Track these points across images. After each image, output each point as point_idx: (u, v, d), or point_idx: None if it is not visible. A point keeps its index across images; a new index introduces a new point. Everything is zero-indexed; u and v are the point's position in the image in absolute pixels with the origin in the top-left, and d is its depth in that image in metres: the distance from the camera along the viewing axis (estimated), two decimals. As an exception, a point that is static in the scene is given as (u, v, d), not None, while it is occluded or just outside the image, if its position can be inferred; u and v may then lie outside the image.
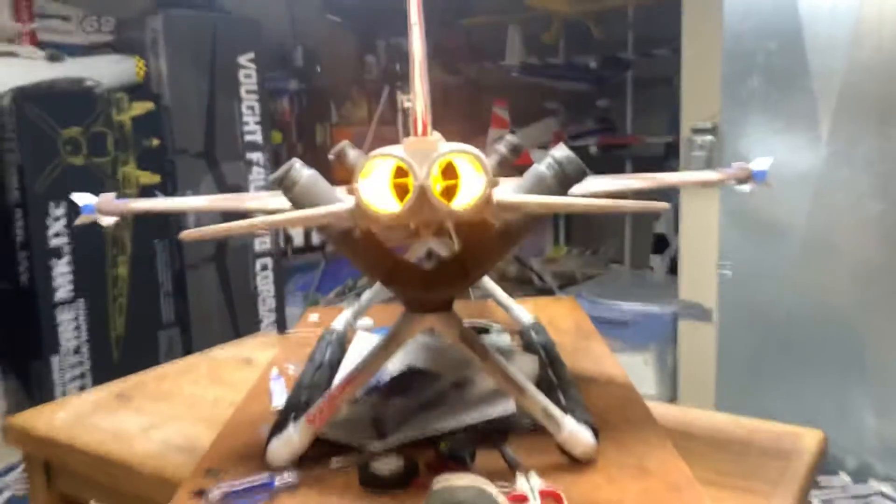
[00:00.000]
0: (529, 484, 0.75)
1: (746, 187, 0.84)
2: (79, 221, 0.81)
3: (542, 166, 0.76)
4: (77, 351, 2.59)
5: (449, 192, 0.66)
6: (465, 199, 0.63)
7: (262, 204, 0.86)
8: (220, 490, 0.76)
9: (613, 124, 3.91)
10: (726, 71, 2.11)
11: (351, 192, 0.64)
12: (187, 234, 0.65)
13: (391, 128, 3.97)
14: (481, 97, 4.17)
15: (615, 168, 3.87)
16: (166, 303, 2.84)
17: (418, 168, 0.61)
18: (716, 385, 2.28)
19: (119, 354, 2.70)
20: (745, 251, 2.16)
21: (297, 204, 0.75)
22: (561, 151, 0.77)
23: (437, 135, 0.89)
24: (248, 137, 2.92)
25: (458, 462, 0.80)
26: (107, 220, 0.82)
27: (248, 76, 2.92)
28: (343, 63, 4.29)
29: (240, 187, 2.83)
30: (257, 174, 2.93)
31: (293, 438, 0.80)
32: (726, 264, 2.16)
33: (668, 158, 3.40)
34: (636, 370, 2.59)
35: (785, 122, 2.07)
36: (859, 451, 2.11)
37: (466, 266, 0.77)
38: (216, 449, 0.88)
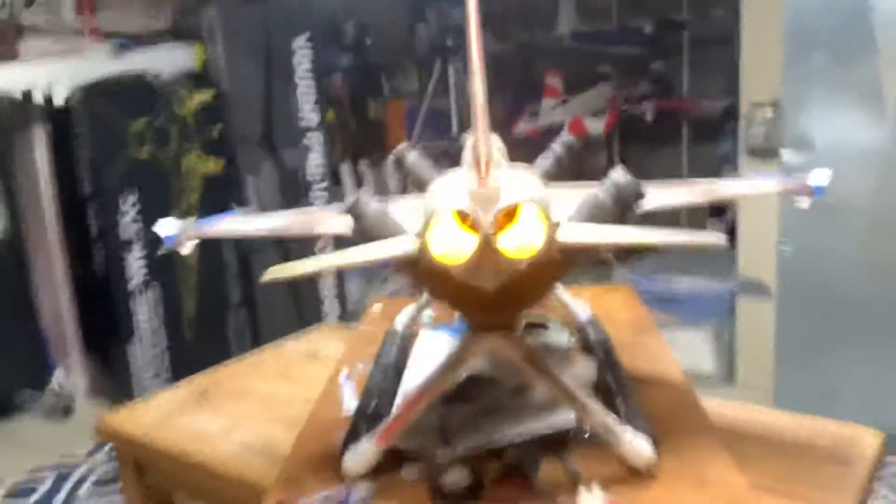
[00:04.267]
0: (592, 499, 0.78)
1: (805, 202, 0.85)
2: (161, 251, 0.87)
3: (600, 191, 0.78)
4: (153, 333, 2.72)
5: (508, 217, 0.68)
6: (526, 246, 0.66)
7: (332, 227, 0.90)
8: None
9: (670, 87, 3.84)
10: (788, 46, 2.05)
11: (419, 236, 0.67)
12: (267, 278, 0.69)
13: (444, 100, 3.98)
14: (533, 63, 4.14)
15: (671, 134, 3.83)
16: (233, 284, 2.95)
17: (483, 218, 0.63)
18: (774, 363, 2.27)
19: (191, 335, 2.82)
20: (806, 228, 2.12)
21: (363, 237, 0.78)
22: (619, 175, 0.78)
23: (497, 151, 0.90)
24: (304, 120, 2.97)
25: (523, 476, 0.84)
26: (187, 249, 0.88)
27: (303, 58, 2.95)
28: (393, 35, 4.29)
29: (297, 171, 2.89)
30: (314, 158, 2.98)
31: (365, 452, 0.85)
32: (786, 241, 2.14)
33: (727, 122, 3.33)
34: (694, 346, 2.59)
35: (849, 99, 2.01)
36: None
37: (529, 290, 0.80)
38: (294, 457, 0.93)
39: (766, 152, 2.21)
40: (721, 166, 3.33)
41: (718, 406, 1.09)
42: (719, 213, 3.52)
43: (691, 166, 3.77)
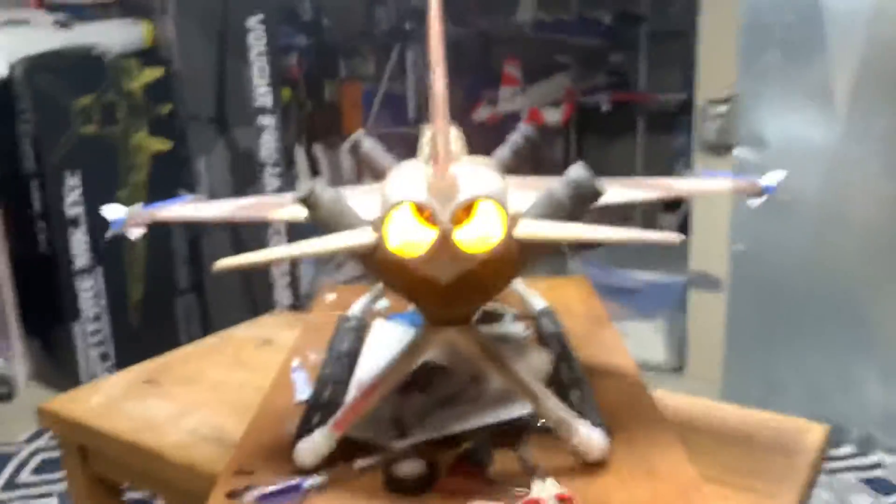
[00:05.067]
0: (545, 489, 0.79)
1: (756, 201, 0.86)
2: (109, 235, 0.84)
3: (559, 187, 0.78)
4: (97, 317, 2.65)
5: (466, 212, 0.68)
6: (484, 241, 0.65)
7: (285, 213, 0.89)
8: (252, 494, 0.80)
9: (626, 80, 3.88)
10: (743, 43, 2.09)
11: (376, 228, 0.66)
12: (221, 265, 0.68)
13: (401, 85, 3.95)
14: (492, 50, 4.13)
15: (627, 126, 3.87)
16: (182, 268, 2.88)
17: (441, 212, 0.63)
18: (724, 354, 2.32)
19: (138, 320, 2.76)
20: (757, 225, 2.17)
21: (319, 225, 0.77)
22: (578, 171, 0.78)
23: (456, 142, 0.89)
24: (258, 101, 2.91)
25: (478, 466, 0.84)
26: (135, 234, 0.85)
27: (257, 38, 2.89)
28: (351, 17, 4.23)
29: (251, 151, 2.84)
30: (268, 140, 2.93)
31: (319, 442, 0.84)
32: (738, 239, 2.18)
33: (682, 115, 3.37)
34: (646, 337, 2.64)
35: (801, 97, 2.06)
36: (864, 422, 2.16)
37: (486, 284, 0.80)
38: (245, 446, 0.92)
39: (719, 148, 2.24)
40: (675, 159, 3.38)
41: (669, 398, 1.11)
42: (672, 207, 3.58)
43: (646, 158, 3.82)
